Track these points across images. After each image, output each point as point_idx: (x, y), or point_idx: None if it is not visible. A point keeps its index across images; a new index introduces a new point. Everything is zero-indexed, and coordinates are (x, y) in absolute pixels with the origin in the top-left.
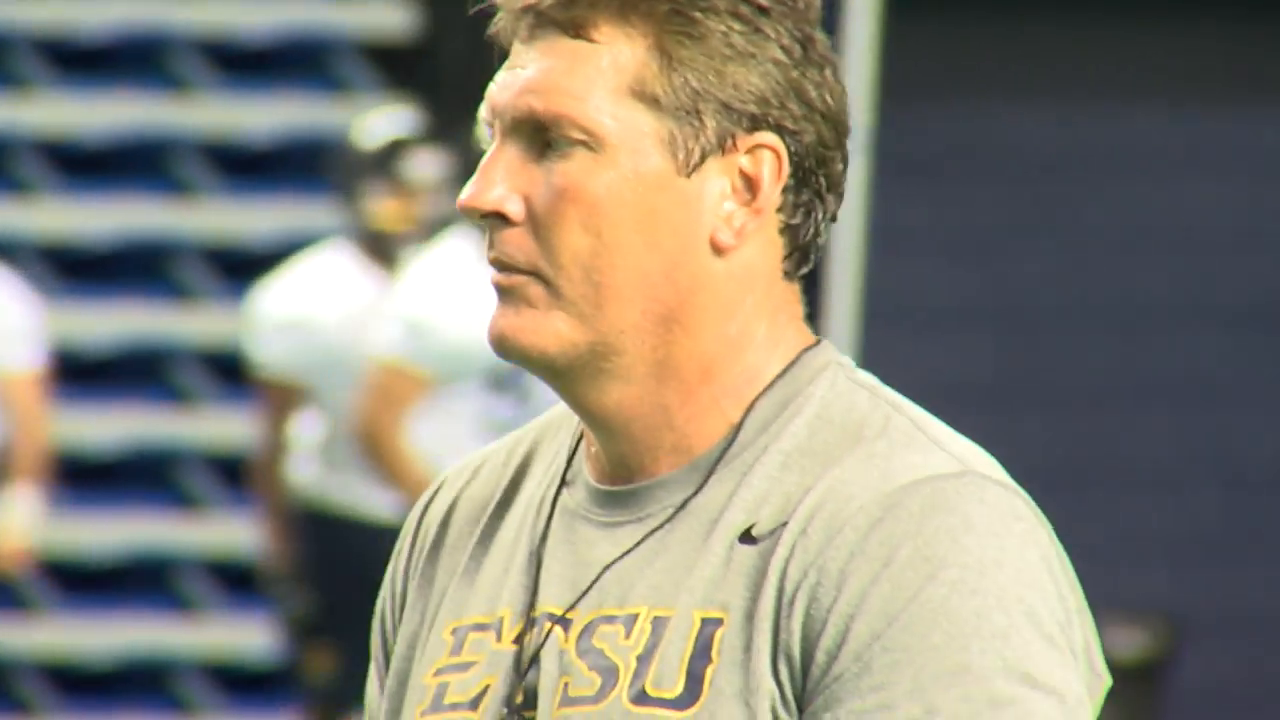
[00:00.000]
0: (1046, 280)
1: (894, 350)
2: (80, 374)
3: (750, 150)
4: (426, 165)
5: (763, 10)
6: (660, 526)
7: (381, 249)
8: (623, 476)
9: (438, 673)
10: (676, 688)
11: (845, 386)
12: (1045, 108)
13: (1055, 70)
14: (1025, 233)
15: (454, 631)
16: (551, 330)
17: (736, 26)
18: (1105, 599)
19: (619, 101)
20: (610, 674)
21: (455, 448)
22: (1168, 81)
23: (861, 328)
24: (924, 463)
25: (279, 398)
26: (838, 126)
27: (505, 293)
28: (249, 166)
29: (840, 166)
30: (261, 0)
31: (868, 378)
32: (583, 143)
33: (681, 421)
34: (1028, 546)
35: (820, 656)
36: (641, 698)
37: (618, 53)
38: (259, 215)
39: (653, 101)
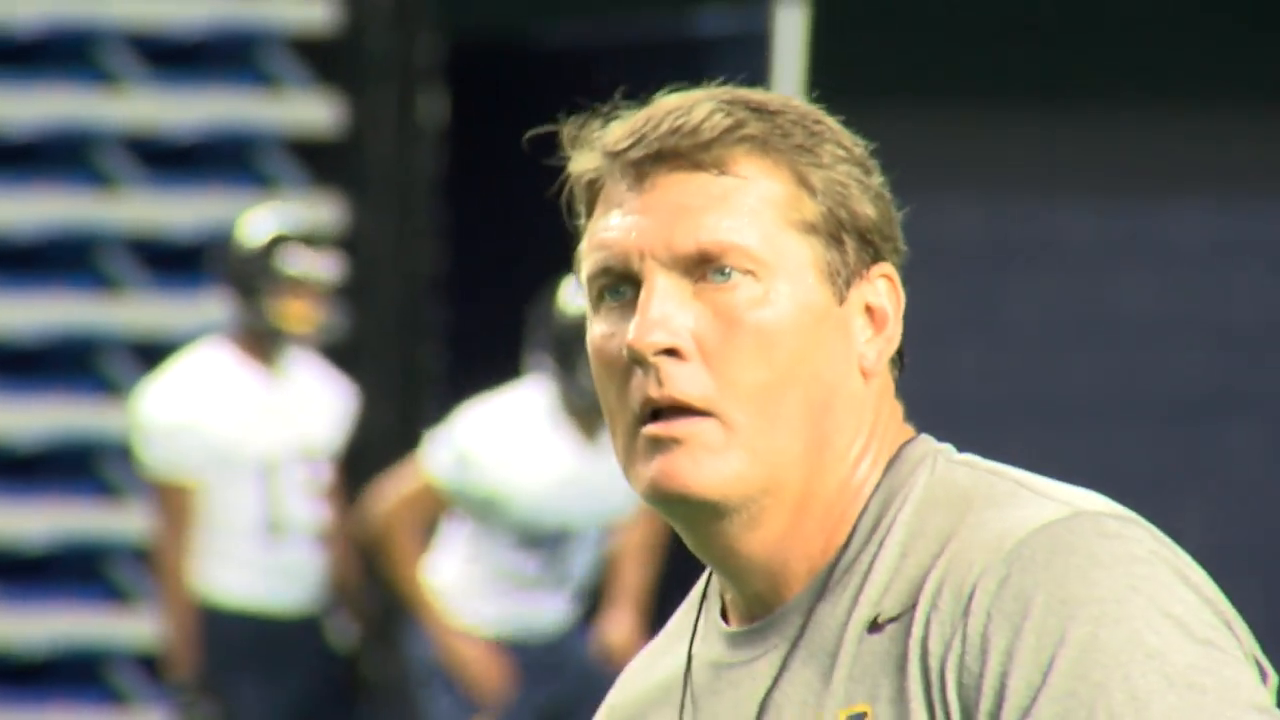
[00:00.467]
0: (972, 375)
1: None
2: (7, 365)
3: (875, 279)
4: (319, 264)
5: (857, 144)
6: (793, 647)
7: (269, 347)
8: (759, 612)
9: None
10: None
11: (944, 469)
12: (969, 201)
13: (979, 164)
14: (951, 328)
15: None
16: (731, 471)
17: (845, 156)
18: None
19: (780, 232)
20: None
21: (470, 590)
22: (1091, 175)
23: None
24: (1035, 514)
25: (172, 499)
26: (901, 256)
27: (673, 442)
28: (175, 159)
29: None
30: None
31: (967, 456)
32: (751, 273)
33: (816, 550)
34: (1157, 565)
35: None
36: None
37: (763, 186)
38: (183, 207)
39: (809, 230)
